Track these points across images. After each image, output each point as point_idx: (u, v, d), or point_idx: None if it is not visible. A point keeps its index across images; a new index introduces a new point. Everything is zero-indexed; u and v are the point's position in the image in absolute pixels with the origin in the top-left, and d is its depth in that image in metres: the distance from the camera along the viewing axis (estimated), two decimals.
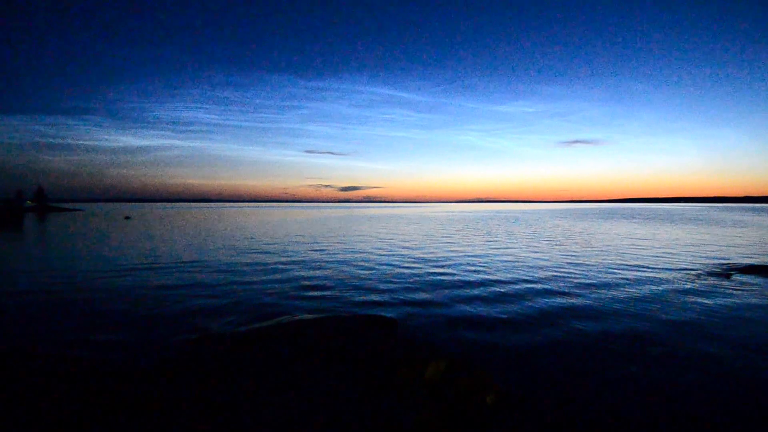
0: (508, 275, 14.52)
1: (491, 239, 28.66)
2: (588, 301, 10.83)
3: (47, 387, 5.22)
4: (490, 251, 21.61)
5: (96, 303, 10.59)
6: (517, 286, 12.67)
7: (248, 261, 18.12)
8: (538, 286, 12.77)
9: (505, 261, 18.00)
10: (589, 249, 22.50)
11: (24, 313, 9.62)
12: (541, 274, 14.78)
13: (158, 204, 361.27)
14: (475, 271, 15.46)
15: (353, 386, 5.51)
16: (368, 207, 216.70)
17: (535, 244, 24.93)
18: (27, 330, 8.39)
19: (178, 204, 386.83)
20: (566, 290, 12.16)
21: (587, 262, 17.43)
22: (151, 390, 5.20)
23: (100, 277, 14.24)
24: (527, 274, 14.78)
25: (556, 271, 15.23)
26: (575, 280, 13.60)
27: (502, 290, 12.16)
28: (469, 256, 19.78)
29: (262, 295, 11.64)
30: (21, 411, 4.53)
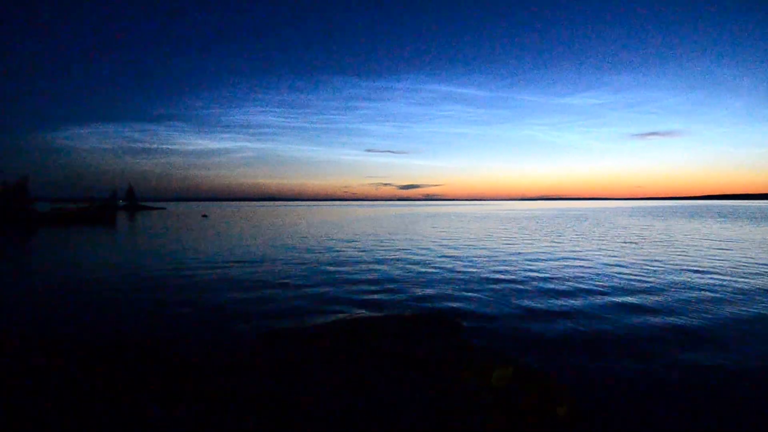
0: (579, 279, 13.76)
1: (558, 239, 27.31)
2: (672, 312, 9.96)
3: (110, 374, 5.78)
4: (557, 252, 20.62)
5: (175, 295, 11.51)
6: (589, 291, 11.97)
7: (314, 257, 18.76)
8: (612, 291, 11.97)
9: (575, 264, 17.09)
10: (672, 252, 20.71)
11: (113, 304, 10.69)
12: (616, 279, 13.85)
13: (231, 202, 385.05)
14: (540, 273, 14.84)
15: (416, 387, 5.52)
16: (428, 205, 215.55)
17: (606, 245, 23.41)
18: (115, 319, 9.34)
19: (248, 202, 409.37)
20: (644, 297, 11.28)
21: (667, 267, 16.07)
22: (220, 383, 5.56)
23: (181, 271, 15.46)
24: (600, 278, 13.92)
25: (631, 276, 14.20)
26: (652, 285, 12.59)
27: (571, 294, 11.55)
28: (534, 257, 19.03)
29: (327, 291, 11.97)
30: (108, 399, 5.05)
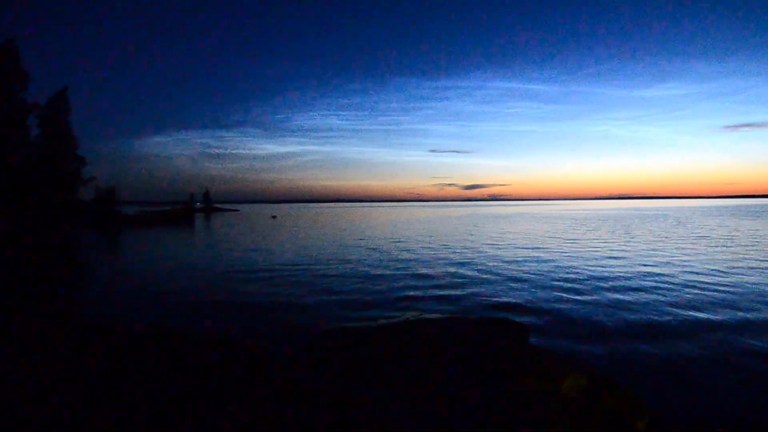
0: (660, 289, 12.39)
1: (634, 241, 25.04)
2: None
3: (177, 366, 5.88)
4: (635, 256, 18.83)
5: (244, 290, 11.94)
6: (672, 296, 10.69)
7: (378, 256, 18.75)
8: (702, 305, 10.59)
9: (656, 271, 15.47)
10: None
11: (188, 298, 11.26)
12: (706, 291, 12.28)
13: (299, 204, 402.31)
14: (615, 278, 13.57)
15: (480, 392, 5.09)
16: (493, 205, 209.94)
17: (695, 251, 21.00)
18: (187, 312, 9.78)
19: (314, 204, 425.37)
20: (735, 312, 9.82)
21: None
22: (283, 378, 5.50)
23: (251, 268, 16.18)
24: (684, 280, 12.42)
25: (723, 287, 12.52)
26: (745, 297, 10.96)
27: (651, 304, 10.37)
28: (608, 261, 17.53)
29: (391, 290, 11.86)
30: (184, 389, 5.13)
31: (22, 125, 37.61)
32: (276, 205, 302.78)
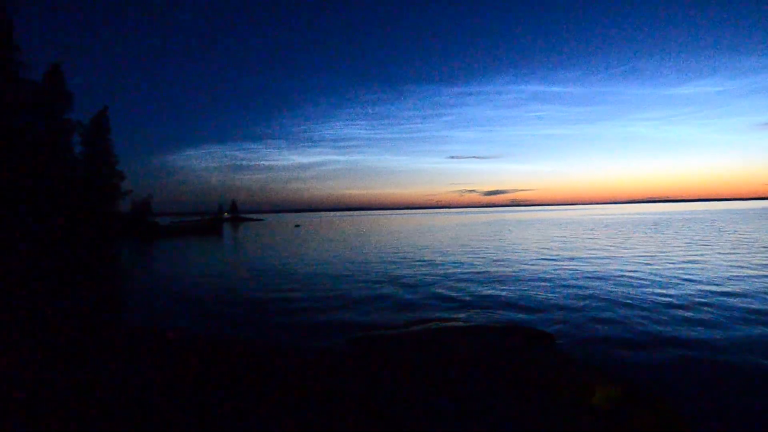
0: (693, 291, 12.18)
1: (665, 247, 24.43)
2: None
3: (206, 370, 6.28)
4: (664, 263, 18.44)
5: (271, 297, 12.35)
6: (704, 303, 10.53)
7: (398, 264, 18.96)
8: (733, 301, 10.41)
9: (688, 274, 15.17)
10: None
11: (216, 304, 11.79)
12: (741, 288, 12.02)
13: (321, 213, 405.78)
14: (645, 283, 13.38)
15: (509, 402, 5.26)
16: (514, 211, 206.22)
17: (732, 254, 20.37)
18: (217, 317, 10.28)
19: (337, 212, 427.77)
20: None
21: None
22: (311, 383, 5.80)
23: (277, 275, 16.57)
24: (720, 288, 12.17)
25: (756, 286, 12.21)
26: None
27: (684, 310, 10.25)
28: (636, 268, 17.22)
29: (416, 298, 12.04)
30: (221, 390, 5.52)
31: (66, 144, 39.97)
32: (300, 214, 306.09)
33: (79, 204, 39.66)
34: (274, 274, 17.34)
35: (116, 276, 18.70)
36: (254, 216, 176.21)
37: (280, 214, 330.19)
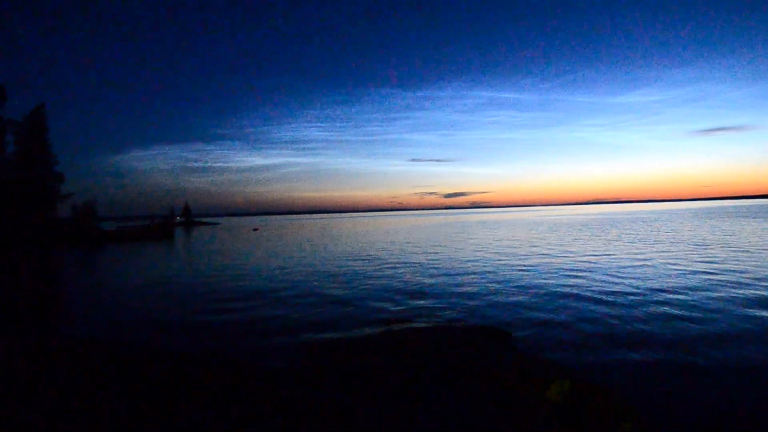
0: (639, 286, 12.83)
1: (613, 245, 25.76)
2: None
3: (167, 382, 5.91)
4: (612, 258, 19.40)
5: (225, 304, 11.86)
6: (650, 298, 11.11)
7: (359, 268, 18.82)
8: (674, 296, 11.05)
9: (635, 270, 16.00)
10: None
11: (165, 312, 11.17)
12: (681, 282, 12.78)
13: (281, 216, 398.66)
14: (596, 281, 13.98)
15: (471, 400, 5.26)
16: (473, 213, 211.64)
17: (672, 250, 21.74)
18: (166, 327, 9.72)
19: (297, 216, 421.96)
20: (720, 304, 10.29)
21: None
22: (271, 390, 5.58)
23: (231, 281, 16.02)
24: (662, 283, 12.90)
25: (705, 281, 13.05)
26: (730, 290, 11.48)
27: (630, 304, 10.77)
28: (585, 265, 18.01)
29: (374, 301, 11.94)
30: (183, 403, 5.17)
31: None
32: (258, 218, 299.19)
33: (10, 209, 36.51)
34: (225, 280, 16.70)
35: (54, 287, 17.33)
36: (209, 219, 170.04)
37: (238, 218, 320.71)
